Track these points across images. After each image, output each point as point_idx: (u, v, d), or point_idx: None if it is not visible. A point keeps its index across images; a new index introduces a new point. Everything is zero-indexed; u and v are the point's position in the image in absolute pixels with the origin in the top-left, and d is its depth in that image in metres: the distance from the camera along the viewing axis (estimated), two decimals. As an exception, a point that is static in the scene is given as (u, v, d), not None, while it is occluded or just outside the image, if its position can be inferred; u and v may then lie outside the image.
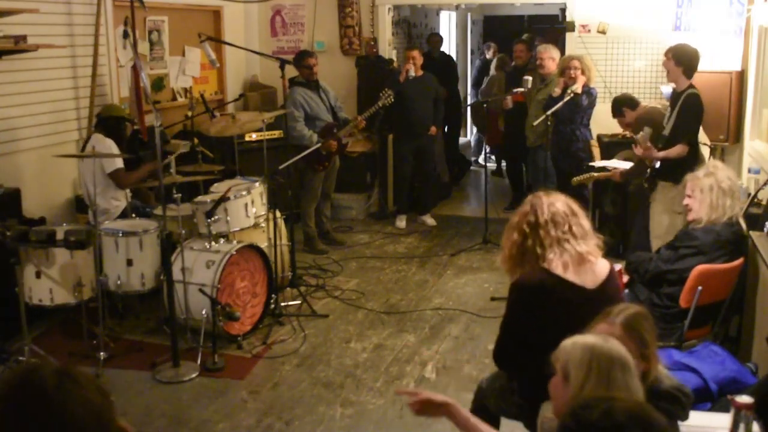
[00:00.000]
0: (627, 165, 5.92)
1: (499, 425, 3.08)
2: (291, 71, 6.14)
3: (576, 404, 1.67)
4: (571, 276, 2.69)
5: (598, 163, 6.34)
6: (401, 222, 7.53)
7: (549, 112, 6.06)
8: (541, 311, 2.70)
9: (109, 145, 4.98)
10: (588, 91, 6.42)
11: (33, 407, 1.42)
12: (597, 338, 1.99)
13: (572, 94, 6.25)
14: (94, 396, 1.46)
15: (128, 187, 5.17)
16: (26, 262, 4.39)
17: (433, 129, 7.37)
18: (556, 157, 6.55)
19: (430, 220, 7.61)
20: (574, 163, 6.44)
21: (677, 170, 5.01)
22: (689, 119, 4.94)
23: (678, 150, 4.94)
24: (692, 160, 5.08)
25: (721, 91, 5.90)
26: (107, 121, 5.14)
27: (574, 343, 1.99)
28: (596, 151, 6.71)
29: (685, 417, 2.34)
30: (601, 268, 2.78)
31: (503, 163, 9.70)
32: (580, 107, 6.33)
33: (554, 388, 2.00)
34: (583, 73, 6.42)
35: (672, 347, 3.62)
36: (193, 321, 4.68)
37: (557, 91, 6.44)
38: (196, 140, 5.72)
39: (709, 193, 3.89)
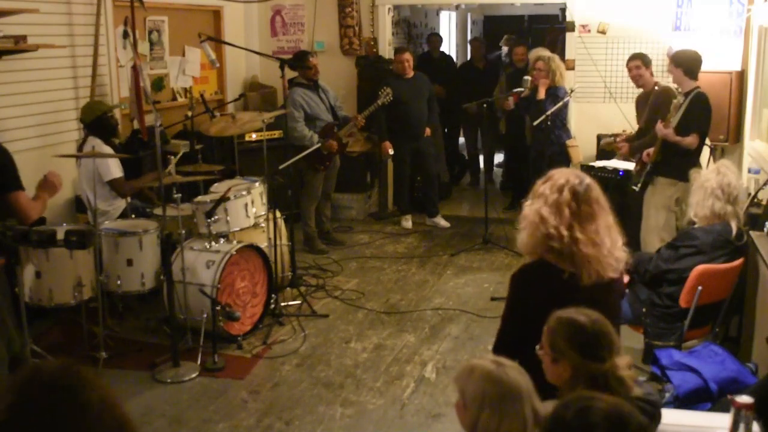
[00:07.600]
0: (627, 165, 5.92)
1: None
2: (291, 71, 6.14)
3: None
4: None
5: (598, 162, 6.33)
6: (407, 222, 7.51)
7: (549, 112, 6.04)
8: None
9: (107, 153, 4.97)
10: (554, 93, 6.33)
11: (48, 401, 1.38)
12: (492, 366, 2.03)
13: (569, 97, 6.24)
14: (103, 391, 1.44)
15: (127, 195, 5.14)
16: (26, 262, 4.38)
17: (428, 131, 7.34)
18: (537, 159, 6.54)
19: (443, 222, 7.53)
20: (553, 167, 6.41)
21: (678, 167, 5.02)
22: (699, 114, 5.00)
23: (690, 140, 4.97)
24: (695, 159, 5.11)
25: (721, 91, 5.90)
26: (94, 124, 5.06)
27: (471, 372, 2.04)
28: (574, 150, 6.61)
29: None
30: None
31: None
32: (544, 110, 6.07)
33: (457, 409, 2.07)
34: (546, 75, 6.37)
35: (672, 347, 3.62)
36: (193, 321, 4.68)
37: (526, 91, 6.39)
38: (195, 140, 5.72)
39: (697, 192, 3.92)
